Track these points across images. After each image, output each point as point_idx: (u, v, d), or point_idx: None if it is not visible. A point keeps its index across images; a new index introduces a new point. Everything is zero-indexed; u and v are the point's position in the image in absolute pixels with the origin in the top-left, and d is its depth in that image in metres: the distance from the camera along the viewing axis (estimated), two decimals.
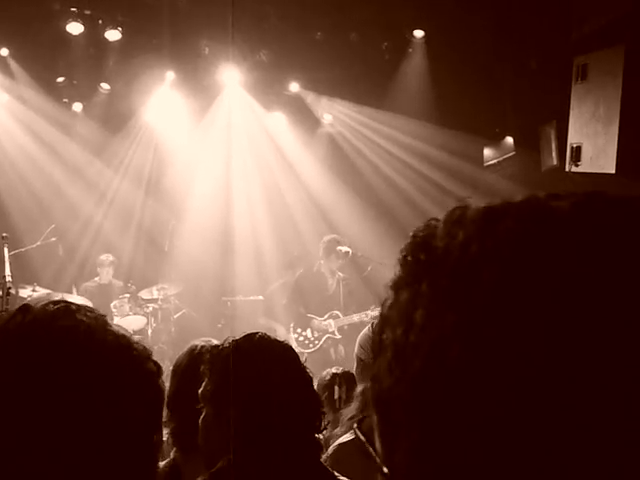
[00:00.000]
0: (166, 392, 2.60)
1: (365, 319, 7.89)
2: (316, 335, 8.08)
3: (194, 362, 2.67)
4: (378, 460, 0.67)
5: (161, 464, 2.71)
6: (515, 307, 0.57)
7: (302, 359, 2.27)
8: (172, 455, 2.70)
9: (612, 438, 0.56)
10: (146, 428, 1.17)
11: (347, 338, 7.98)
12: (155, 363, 1.21)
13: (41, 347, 1.10)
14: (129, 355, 1.17)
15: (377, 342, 0.67)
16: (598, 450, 0.56)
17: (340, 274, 8.27)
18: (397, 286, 0.67)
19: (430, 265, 0.64)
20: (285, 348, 2.25)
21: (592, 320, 0.56)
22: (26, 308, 1.16)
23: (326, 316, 8.14)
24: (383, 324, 0.67)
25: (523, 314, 0.57)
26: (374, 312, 7.89)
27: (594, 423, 0.56)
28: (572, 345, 0.56)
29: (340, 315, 8.15)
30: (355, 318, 8.04)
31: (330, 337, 8.12)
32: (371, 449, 0.69)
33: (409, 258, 0.67)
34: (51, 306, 1.17)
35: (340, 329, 8.12)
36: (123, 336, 1.19)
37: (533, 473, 0.57)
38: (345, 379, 3.95)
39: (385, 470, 0.66)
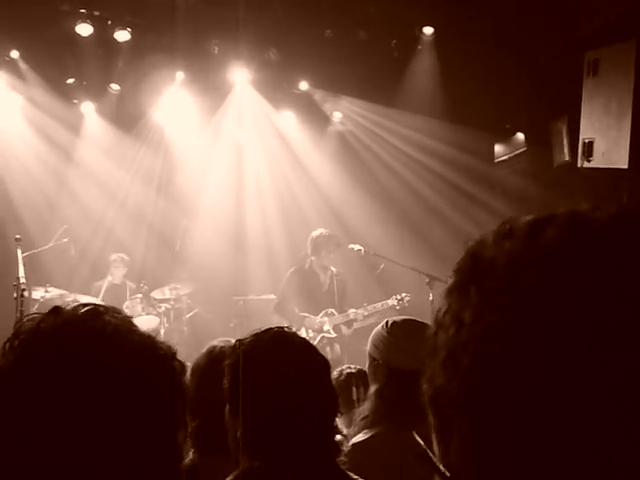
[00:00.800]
0: None
1: (359, 317, 7.84)
2: (311, 334, 7.85)
3: (213, 363, 2.67)
4: (436, 461, 0.72)
5: None
6: (553, 308, 0.62)
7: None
8: (190, 456, 2.70)
9: None
10: (171, 426, 1.19)
11: (343, 336, 7.92)
12: (180, 362, 1.25)
13: (71, 348, 1.14)
14: (155, 354, 1.21)
15: (431, 345, 0.72)
16: None
17: (333, 269, 8.02)
18: (449, 293, 0.72)
19: (479, 272, 0.69)
20: (304, 344, 2.23)
21: (615, 322, 0.60)
22: (57, 310, 1.20)
23: (321, 314, 7.93)
24: (437, 328, 0.72)
25: (560, 315, 0.62)
26: (368, 309, 7.89)
27: None
28: (603, 344, 0.60)
29: (335, 313, 7.96)
30: (351, 315, 7.88)
31: (325, 336, 7.91)
32: (430, 452, 0.73)
33: (461, 267, 0.72)
34: (80, 308, 1.21)
35: (335, 327, 7.92)
36: (148, 336, 1.23)
37: (573, 464, 0.61)
38: (361, 378, 3.88)
39: (444, 471, 0.71)
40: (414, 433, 0.81)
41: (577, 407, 0.60)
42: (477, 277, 0.69)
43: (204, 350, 2.86)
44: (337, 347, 7.93)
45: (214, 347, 2.82)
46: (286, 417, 2.05)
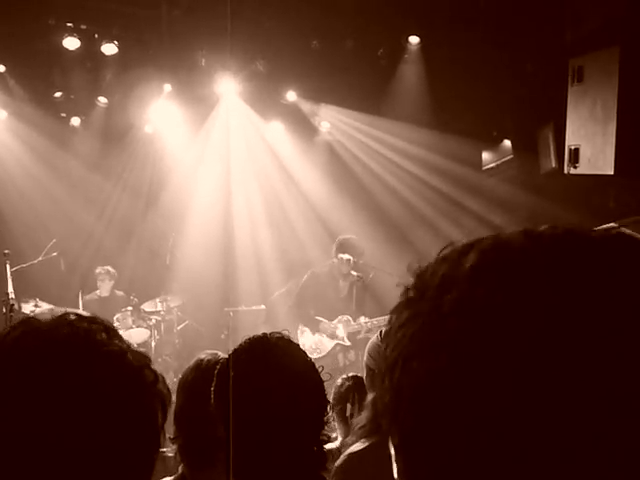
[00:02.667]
0: (172, 407, 2.60)
1: (372, 327, 7.64)
2: (325, 340, 7.72)
3: (201, 376, 2.64)
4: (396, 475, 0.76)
5: None
6: (464, 328, 0.67)
7: (322, 369, 2.22)
8: (180, 470, 2.68)
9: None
10: (138, 438, 1.15)
11: (357, 344, 7.72)
12: (152, 371, 1.20)
13: (31, 357, 1.11)
14: (121, 363, 1.16)
15: (380, 364, 0.76)
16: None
17: (354, 273, 7.85)
18: (392, 312, 0.77)
19: (416, 292, 0.74)
20: (293, 352, 2.18)
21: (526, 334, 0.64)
22: (25, 321, 1.18)
23: (335, 321, 7.78)
24: (383, 346, 0.76)
25: (469, 334, 0.66)
26: (380, 320, 7.68)
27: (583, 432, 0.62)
28: (503, 364, 0.64)
29: (351, 320, 7.80)
30: (364, 325, 7.71)
31: (339, 343, 7.76)
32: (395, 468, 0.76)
33: (406, 288, 0.76)
34: (50, 317, 1.19)
35: (350, 335, 7.76)
36: (119, 345, 1.18)
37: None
38: (358, 388, 3.87)
39: None
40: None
41: (486, 416, 0.64)
42: (411, 299, 0.73)
43: (191, 363, 2.84)
44: (352, 353, 7.75)
45: (201, 360, 2.79)
46: (271, 428, 2.03)
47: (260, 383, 2.04)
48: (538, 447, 0.63)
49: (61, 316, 1.18)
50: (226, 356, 2.24)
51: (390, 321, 0.76)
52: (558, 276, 0.66)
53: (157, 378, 1.21)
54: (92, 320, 1.20)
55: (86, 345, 1.15)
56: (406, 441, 0.71)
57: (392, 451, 0.75)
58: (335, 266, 7.88)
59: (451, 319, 0.67)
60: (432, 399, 0.67)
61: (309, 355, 2.24)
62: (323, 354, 7.66)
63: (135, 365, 1.18)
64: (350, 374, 4.12)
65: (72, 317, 1.18)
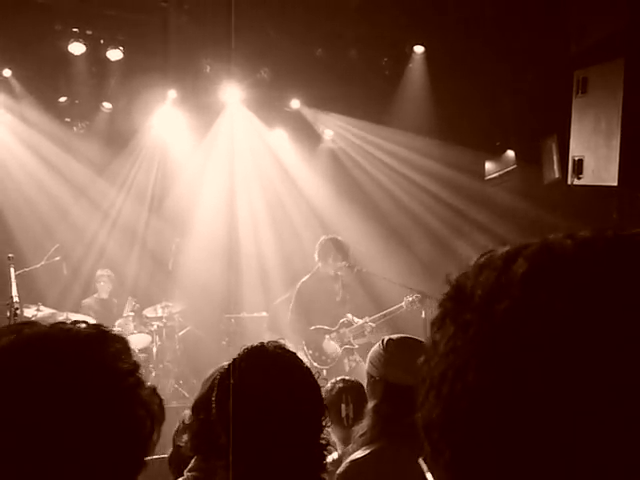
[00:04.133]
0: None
1: (374, 324, 7.57)
2: (333, 349, 7.48)
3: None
4: None
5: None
6: (520, 338, 0.65)
7: (319, 375, 2.26)
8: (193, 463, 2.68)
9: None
10: (119, 446, 1.13)
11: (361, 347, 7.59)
12: (137, 378, 1.18)
13: (19, 366, 1.10)
14: (106, 370, 1.15)
15: (421, 375, 0.75)
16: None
17: (339, 273, 7.68)
18: (433, 325, 0.76)
19: (458, 304, 0.72)
20: (288, 359, 2.23)
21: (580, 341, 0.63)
22: (27, 324, 1.18)
23: (337, 326, 7.57)
24: (425, 359, 0.75)
25: (527, 345, 0.64)
26: (381, 315, 7.67)
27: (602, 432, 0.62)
28: (568, 374, 0.63)
29: (352, 321, 7.63)
30: (367, 324, 7.56)
31: (347, 348, 7.54)
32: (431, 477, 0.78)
33: (443, 300, 0.75)
34: (48, 323, 1.19)
35: (355, 337, 7.56)
36: (109, 351, 1.16)
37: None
38: (353, 393, 3.87)
39: None
40: (420, 460, 0.84)
41: (548, 434, 0.63)
42: (454, 310, 0.72)
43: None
44: (356, 356, 7.54)
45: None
46: (272, 434, 2.07)
47: (259, 391, 2.09)
48: (598, 464, 0.62)
49: (58, 323, 1.18)
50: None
51: (431, 334, 0.75)
52: (616, 282, 0.64)
53: (140, 384, 1.18)
54: (87, 325, 1.19)
55: (75, 352, 1.13)
56: (460, 455, 0.69)
57: (434, 466, 0.74)
58: (322, 270, 7.65)
59: (506, 329, 0.66)
60: (491, 413, 0.66)
61: (320, 367, 2.32)
62: (334, 363, 7.43)
63: (121, 370, 1.16)
64: (338, 378, 4.12)
65: (69, 324, 1.18)
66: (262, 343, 2.23)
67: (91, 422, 1.09)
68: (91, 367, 1.13)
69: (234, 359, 2.19)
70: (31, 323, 1.19)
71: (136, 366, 1.19)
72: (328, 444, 2.20)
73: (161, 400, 1.23)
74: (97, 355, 1.15)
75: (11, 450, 1.05)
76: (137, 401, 1.16)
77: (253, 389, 2.09)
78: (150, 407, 1.18)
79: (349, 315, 7.72)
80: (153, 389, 1.21)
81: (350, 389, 3.90)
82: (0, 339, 1.14)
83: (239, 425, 2.06)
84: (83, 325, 1.19)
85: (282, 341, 2.31)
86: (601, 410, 0.61)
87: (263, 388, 2.10)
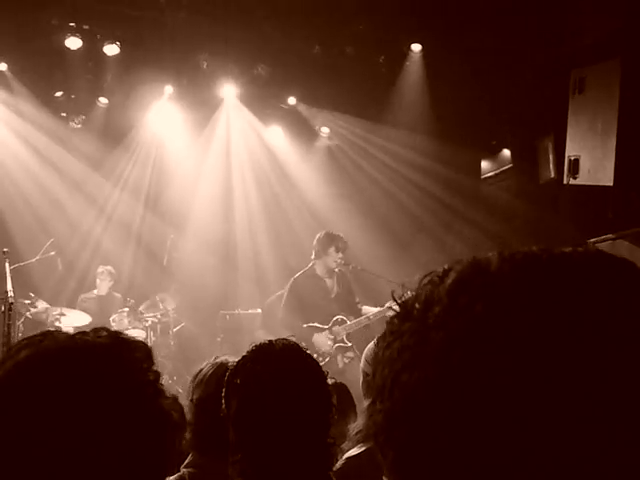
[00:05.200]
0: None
1: (372, 317, 7.42)
2: (325, 346, 7.40)
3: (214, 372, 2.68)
4: None
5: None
6: (448, 338, 0.69)
7: (328, 373, 2.30)
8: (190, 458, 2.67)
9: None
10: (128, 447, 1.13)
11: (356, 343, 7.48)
12: (156, 388, 1.19)
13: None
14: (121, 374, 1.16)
15: (366, 382, 0.80)
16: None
17: (336, 270, 7.59)
18: (379, 340, 0.80)
19: (402, 318, 0.77)
20: (297, 356, 2.26)
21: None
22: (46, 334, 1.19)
23: (330, 324, 7.46)
24: (372, 371, 0.79)
25: (453, 344, 0.69)
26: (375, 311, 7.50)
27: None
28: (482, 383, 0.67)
29: (346, 319, 7.51)
30: (363, 319, 7.45)
31: (340, 345, 7.44)
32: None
33: (391, 317, 0.80)
34: (73, 334, 1.20)
35: (349, 335, 7.45)
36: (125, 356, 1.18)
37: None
38: (336, 393, 3.80)
39: None
40: None
41: (481, 434, 0.66)
42: (398, 324, 0.77)
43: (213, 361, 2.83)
44: (350, 354, 7.45)
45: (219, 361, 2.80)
46: (280, 431, 2.09)
47: (268, 388, 2.11)
48: (532, 455, 0.64)
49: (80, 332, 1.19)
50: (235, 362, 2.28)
51: (377, 348, 0.78)
52: (531, 289, 0.69)
53: (159, 394, 1.19)
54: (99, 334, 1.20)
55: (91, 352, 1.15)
56: (400, 456, 0.72)
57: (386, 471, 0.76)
58: (318, 266, 7.57)
59: (435, 330, 0.70)
60: (424, 409, 0.69)
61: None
62: (327, 360, 7.30)
63: (138, 382, 1.17)
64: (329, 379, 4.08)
65: (75, 338, 1.19)
66: (270, 341, 2.26)
67: (111, 435, 1.10)
68: (109, 381, 1.14)
69: (243, 356, 2.21)
70: (49, 334, 1.20)
71: (157, 375, 1.20)
72: (335, 441, 2.22)
73: (182, 408, 1.24)
74: (115, 369, 1.16)
75: (33, 466, 1.06)
76: (157, 411, 1.17)
77: (262, 387, 2.11)
78: (170, 417, 1.19)
79: (343, 313, 7.62)
80: (174, 398, 1.22)
81: (332, 389, 3.87)
82: (19, 353, 1.15)
83: (248, 422, 2.10)
84: (104, 333, 1.20)
85: (292, 338, 2.33)
86: (520, 404, 0.65)
87: (272, 386, 2.11)
